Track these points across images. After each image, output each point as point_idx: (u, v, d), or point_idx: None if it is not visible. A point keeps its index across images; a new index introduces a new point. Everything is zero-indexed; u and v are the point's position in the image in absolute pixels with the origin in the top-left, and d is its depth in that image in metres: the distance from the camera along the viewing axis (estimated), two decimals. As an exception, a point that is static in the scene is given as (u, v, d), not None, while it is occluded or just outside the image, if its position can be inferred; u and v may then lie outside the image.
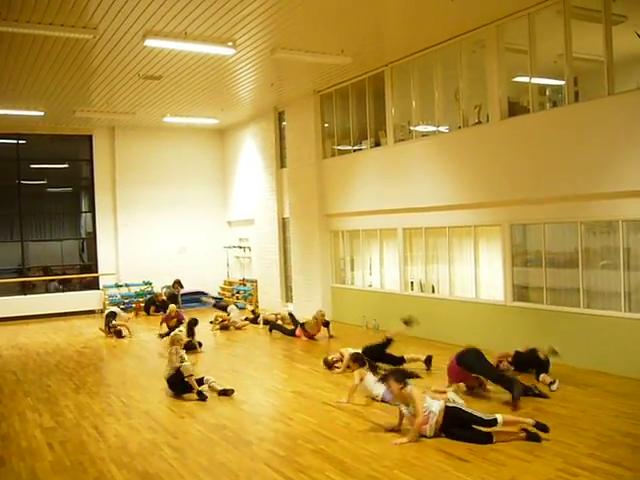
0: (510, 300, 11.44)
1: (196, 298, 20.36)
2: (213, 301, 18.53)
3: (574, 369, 9.10)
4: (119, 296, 20.12)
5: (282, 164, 18.67)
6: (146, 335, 15.56)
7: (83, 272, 21.13)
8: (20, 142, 19.82)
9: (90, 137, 20.35)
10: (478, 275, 12.22)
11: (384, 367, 9.65)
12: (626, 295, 9.59)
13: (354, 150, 15.80)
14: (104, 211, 20.53)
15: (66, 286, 20.69)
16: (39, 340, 15.29)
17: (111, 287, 20.26)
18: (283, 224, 18.71)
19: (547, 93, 11.57)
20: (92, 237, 20.68)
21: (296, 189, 17.72)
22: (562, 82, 10.64)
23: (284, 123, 18.42)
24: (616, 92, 9.61)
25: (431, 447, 6.82)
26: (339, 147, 16.49)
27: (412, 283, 14.07)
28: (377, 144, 14.91)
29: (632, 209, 9.45)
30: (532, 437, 6.85)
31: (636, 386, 8.77)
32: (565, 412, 7.92)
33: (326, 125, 16.86)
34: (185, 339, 11.18)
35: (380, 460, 6.49)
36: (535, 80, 11.01)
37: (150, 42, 11.04)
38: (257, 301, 19.57)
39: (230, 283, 21.33)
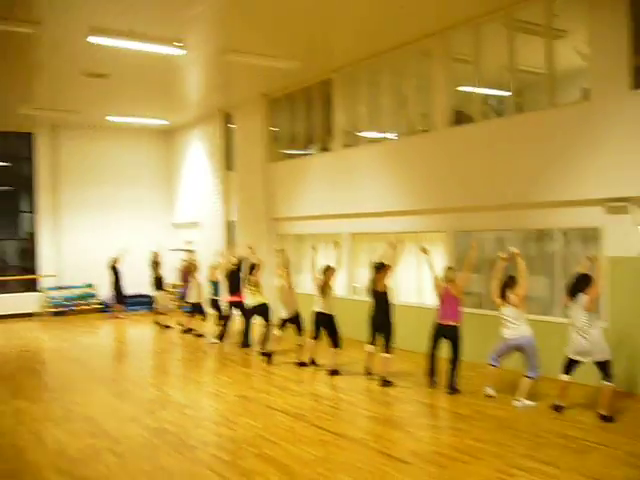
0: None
1: (139, 301, 20.13)
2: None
3: (514, 373, 9.30)
4: (60, 298, 19.69)
5: (229, 167, 18.59)
6: (88, 338, 15.32)
7: (23, 273, 20.58)
8: (-44, 138, 19.26)
9: (31, 135, 19.89)
10: (422, 280, 12.39)
11: None
12: (560, 301, 9.87)
13: (302, 155, 15.85)
14: (45, 211, 20.06)
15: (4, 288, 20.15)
16: (-25, 343, 14.85)
17: (52, 289, 19.80)
18: (229, 227, 18.62)
19: (491, 103, 11.83)
20: (32, 238, 20.18)
21: (243, 192, 17.67)
22: (506, 93, 10.91)
23: (232, 126, 18.36)
24: (557, 104, 9.91)
25: (374, 450, 6.91)
26: (287, 151, 16.52)
27: (358, 288, 14.18)
28: (325, 149, 15.00)
29: (568, 218, 9.76)
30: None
31: (572, 389, 9.00)
32: (504, 414, 8.12)
33: (274, 129, 16.87)
34: None
35: (323, 463, 6.52)
36: (480, 90, 11.25)
37: (95, 39, 10.80)
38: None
39: (174, 286, 21.05)
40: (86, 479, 6.29)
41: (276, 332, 11.79)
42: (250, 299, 12.73)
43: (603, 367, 7.84)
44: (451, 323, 9.33)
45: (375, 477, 6.14)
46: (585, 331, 7.85)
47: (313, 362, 11.23)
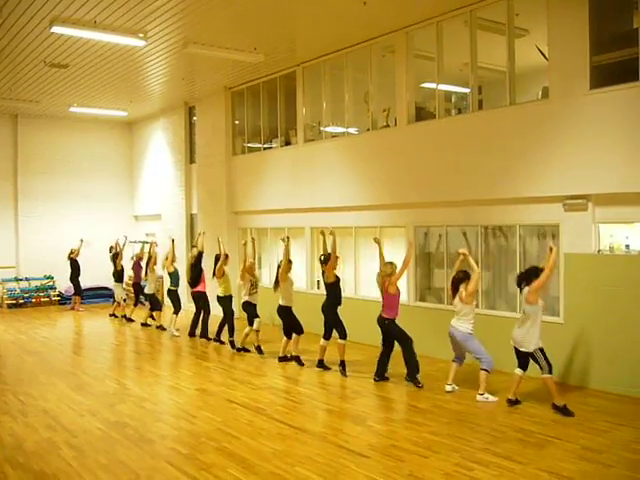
0: (413, 300, 11.76)
1: (99, 293, 19.93)
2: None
3: (473, 367, 9.43)
4: (18, 290, 19.38)
5: (191, 160, 18.47)
6: (46, 331, 15.09)
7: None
8: None
9: (-9, 123, 19.52)
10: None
11: None
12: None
13: (264, 148, 15.82)
14: (4, 201, 19.72)
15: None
16: None
17: (10, 280, 19.46)
18: (191, 220, 18.52)
19: (453, 100, 11.96)
20: (-11, 228, 19.80)
21: (205, 185, 17.58)
22: (467, 90, 11.03)
23: (194, 118, 18.24)
24: (517, 102, 10.05)
25: (333, 444, 6.95)
26: (249, 145, 16.48)
27: (319, 282, 14.21)
28: (287, 143, 14.99)
29: (528, 215, 9.92)
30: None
31: (529, 383, 9.16)
32: (462, 409, 8.24)
33: (237, 122, 16.81)
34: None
35: (282, 457, 6.55)
36: (442, 87, 11.36)
37: (57, 29, 10.68)
38: (163, 297, 19.23)
39: (131, 278, 20.83)
40: (43, 473, 6.22)
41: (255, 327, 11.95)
42: (218, 290, 12.92)
43: (533, 358, 8.07)
44: (385, 316, 9.58)
45: (334, 470, 6.18)
46: (521, 322, 8.11)
47: (290, 356, 11.25)
